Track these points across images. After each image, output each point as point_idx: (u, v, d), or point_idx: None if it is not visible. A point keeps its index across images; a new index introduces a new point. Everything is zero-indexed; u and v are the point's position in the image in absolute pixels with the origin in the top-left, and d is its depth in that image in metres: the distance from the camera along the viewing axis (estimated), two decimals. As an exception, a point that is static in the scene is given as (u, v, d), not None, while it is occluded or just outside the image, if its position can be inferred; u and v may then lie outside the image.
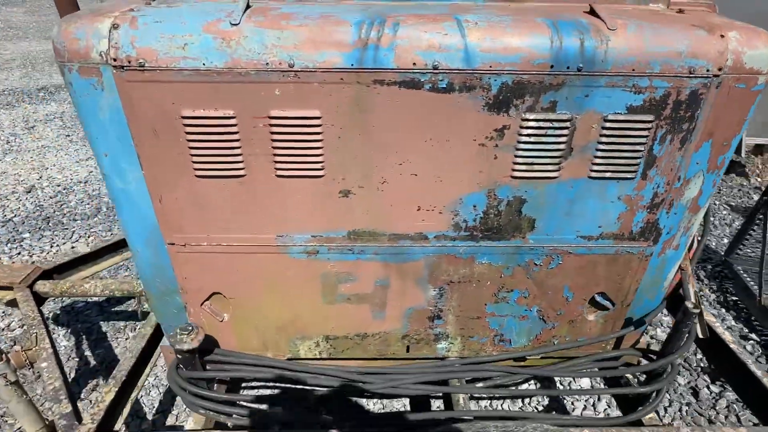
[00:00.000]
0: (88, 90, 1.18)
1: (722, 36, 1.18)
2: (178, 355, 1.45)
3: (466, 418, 1.48)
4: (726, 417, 2.41)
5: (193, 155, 1.26)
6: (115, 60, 1.13)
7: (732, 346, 1.72)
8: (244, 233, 1.42)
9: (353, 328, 1.66)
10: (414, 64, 1.16)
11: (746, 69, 1.19)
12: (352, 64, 1.15)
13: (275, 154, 1.28)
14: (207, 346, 1.57)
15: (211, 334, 1.64)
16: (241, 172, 1.30)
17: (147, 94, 1.17)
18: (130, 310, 2.88)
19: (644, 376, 1.73)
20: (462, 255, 1.48)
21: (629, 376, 1.83)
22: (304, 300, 1.58)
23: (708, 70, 1.18)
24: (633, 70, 1.18)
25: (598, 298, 1.61)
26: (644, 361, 1.68)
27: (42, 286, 2.06)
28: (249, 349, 1.69)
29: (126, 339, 2.74)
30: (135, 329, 2.79)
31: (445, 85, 1.19)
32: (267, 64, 1.14)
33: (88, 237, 3.68)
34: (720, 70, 1.18)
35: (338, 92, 1.19)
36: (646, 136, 1.27)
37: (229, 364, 1.59)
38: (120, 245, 2.38)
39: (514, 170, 1.32)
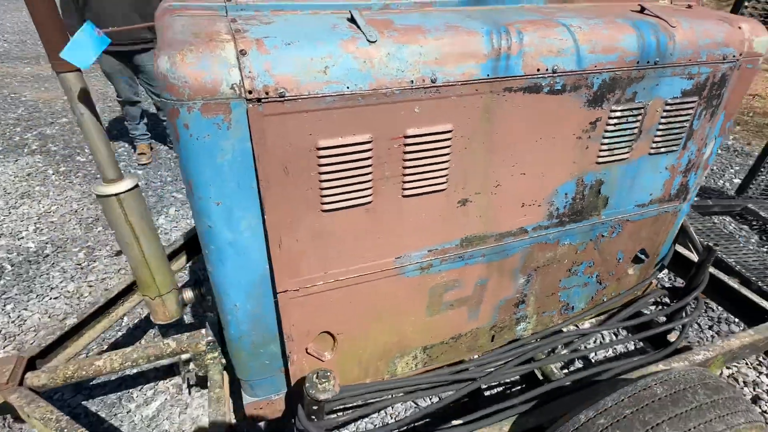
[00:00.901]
0: (210, 131, 0.98)
1: (740, 27, 1.47)
2: (313, 406, 1.31)
3: (629, 378, 1.53)
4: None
5: (323, 188, 1.14)
6: (250, 92, 0.96)
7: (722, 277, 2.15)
8: (365, 262, 1.33)
9: (450, 332, 1.67)
10: (538, 69, 1.21)
11: (754, 53, 1.50)
12: (488, 75, 1.16)
13: (404, 174, 1.22)
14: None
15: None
16: (368, 199, 1.22)
17: (284, 127, 1.02)
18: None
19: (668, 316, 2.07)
20: (551, 240, 1.60)
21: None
22: (411, 317, 1.54)
23: (734, 56, 1.46)
24: (689, 60, 1.40)
25: (639, 254, 1.89)
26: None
27: (36, 379, 1.61)
28: (349, 381, 1.59)
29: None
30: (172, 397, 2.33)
31: (559, 87, 1.27)
32: (412, 81, 1.09)
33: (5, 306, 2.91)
34: (740, 55, 1.47)
35: (471, 103, 1.19)
36: (690, 114, 1.52)
37: (355, 397, 1.49)
38: (109, 305, 1.97)
39: (599, 157, 1.47)
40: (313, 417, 1.35)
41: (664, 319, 2.16)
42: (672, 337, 1.87)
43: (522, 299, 1.73)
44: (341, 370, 1.56)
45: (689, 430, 1.11)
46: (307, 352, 1.45)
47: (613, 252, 1.79)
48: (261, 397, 1.56)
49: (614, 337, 2.50)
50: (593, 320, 2.08)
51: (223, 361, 1.69)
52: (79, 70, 1.35)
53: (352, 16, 1.12)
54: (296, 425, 1.38)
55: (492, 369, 1.68)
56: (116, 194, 1.57)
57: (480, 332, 1.74)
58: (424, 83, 1.10)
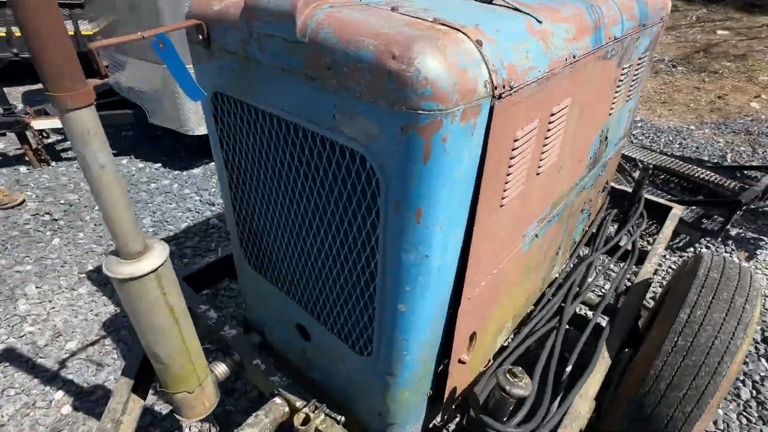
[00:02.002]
0: (459, 141, 0.83)
1: (663, -6, 1.92)
2: (508, 407, 1.26)
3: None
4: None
5: (507, 182, 1.08)
6: (495, 88, 0.84)
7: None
8: (509, 249, 1.31)
9: (530, 294, 1.78)
10: (609, 38, 1.37)
11: (669, 12, 1.99)
12: (594, 46, 1.26)
13: (542, 153, 1.24)
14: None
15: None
16: (524, 185, 1.20)
17: (505, 123, 0.93)
18: None
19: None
20: (583, 188, 1.85)
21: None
22: (518, 290, 1.59)
23: (663, 17, 1.91)
24: (652, 21, 1.77)
25: (605, 184, 2.32)
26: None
27: None
28: (475, 374, 1.56)
29: None
30: None
31: (612, 53, 1.46)
32: (566, 59, 1.11)
33: None
34: (667, 15, 1.93)
35: (580, 76, 1.27)
36: (645, 65, 1.93)
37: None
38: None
39: (611, 109, 1.75)
40: (505, 419, 1.30)
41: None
42: (624, 243, 2.40)
43: (560, 246, 1.95)
44: (471, 367, 1.52)
45: (734, 298, 1.53)
46: (459, 362, 1.36)
47: (599, 187, 2.16)
48: (398, 429, 1.41)
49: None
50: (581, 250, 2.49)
51: (340, 418, 1.44)
52: (91, 104, 0.93)
53: None
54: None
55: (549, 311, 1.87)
56: (154, 270, 1.15)
57: (541, 286, 1.91)
58: (567, 61, 1.14)
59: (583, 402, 1.51)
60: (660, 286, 2.99)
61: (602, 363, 1.64)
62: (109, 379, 2.28)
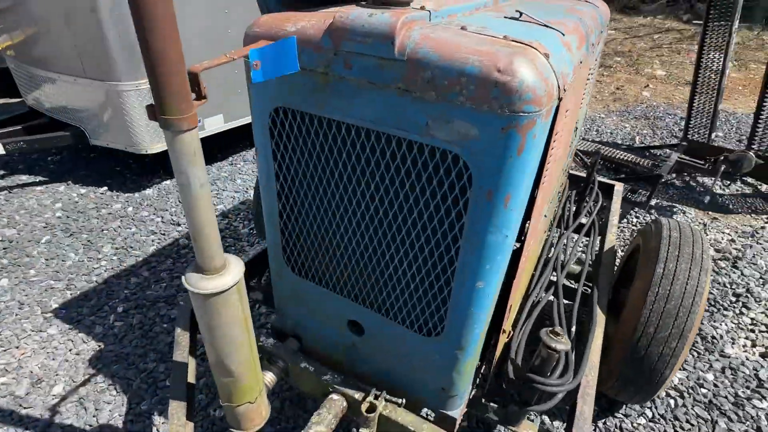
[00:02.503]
0: (541, 135, 1.00)
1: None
2: (550, 363, 1.47)
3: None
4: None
5: (547, 168, 1.28)
6: (559, 91, 1.03)
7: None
8: (537, 225, 1.52)
9: (531, 267, 2.03)
10: (590, 45, 1.64)
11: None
12: (586, 53, 1.52)
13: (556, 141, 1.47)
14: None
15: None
16: (553, 165, 1.42)
17: (560, 119, 1.12)
18: None
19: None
20: (565, 166, 2.13)
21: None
22: (530, 265, 1.81)
23: (608, 22, 2.27)
24: (604, 28, 2.11)
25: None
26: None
27: None
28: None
29: None
30: None
31: (588, 56, 1.74)
32: (580, 62, 1.34)
33: None
34: (608, 20, 2.29)
35: (577, 77, 1.52)
36: (599, 61, 2.28)
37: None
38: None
39: (583, 98, 2.05)
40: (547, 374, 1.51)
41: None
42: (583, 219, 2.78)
43: (551, 220, 2.23)
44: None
45: (693, 251, 1.91)
46: (502, 331, 1.55)
47: (566, 172, 2.49)
48: (462, 401, 1.55)
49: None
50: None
51: (401, 401, 1.55)
52: (195, 128, 0.98)
53: (520, 13, 1.26)
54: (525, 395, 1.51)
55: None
56: (236, 283, 1.20)
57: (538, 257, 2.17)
58: (577, 67, 1.37)
59: (594, 353, 1.78)
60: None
61: (601, 318, 1.94)
62: (114, 416, 2.15)
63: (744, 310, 2.91)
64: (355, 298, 1.50)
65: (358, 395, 1.55)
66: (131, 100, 3.41)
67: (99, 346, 2.50)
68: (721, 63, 4.24)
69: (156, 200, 3.85)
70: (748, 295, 3.03)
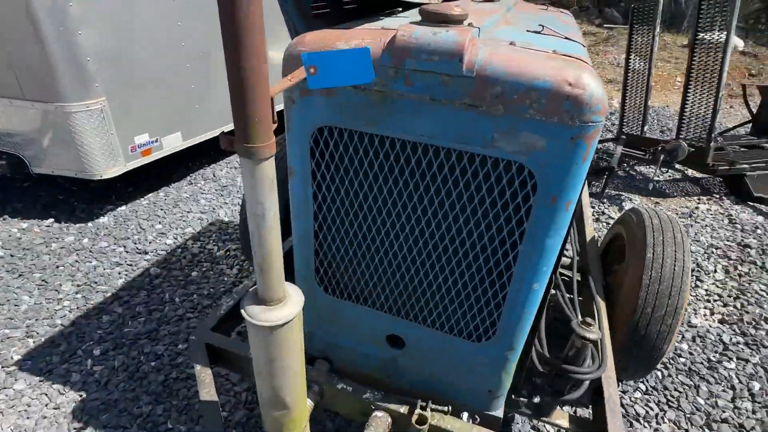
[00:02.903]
0: (596, 142, 1.07)
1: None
2: (584, 352, 1.56)
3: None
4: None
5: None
6: (606, 101, 1.11)
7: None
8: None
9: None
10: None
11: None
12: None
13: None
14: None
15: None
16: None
17: (597, 126, 1.21)
18: None
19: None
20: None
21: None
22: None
23: (576, 32, 2.45)
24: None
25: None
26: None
27: None
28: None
29: None
30: None
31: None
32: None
33: None
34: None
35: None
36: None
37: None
38: None
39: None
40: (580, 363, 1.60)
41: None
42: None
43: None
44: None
45: (674, 234, 2.12)
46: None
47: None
48: (503, 400, 1.60)
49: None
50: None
51: (447, 408, 1.56)
52: (273, 155, 0.96)
53: (542, 26, 1.34)
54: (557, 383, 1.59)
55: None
56: (298, 314, 1.17)
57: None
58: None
59: (608, 339, 1.91)
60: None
61: (602, 305, 2.08)
62: (116, 470, 1.95)
63: (698, 282, 3.26)
64: (397, 313, 1.49)
65: (402, 409, 1.55)
66: (81, 123, 3.12)
67: (80, 395, 2.26)
68: (645, 64, 4.73)
69: (114, 228, 3.54)
70: (699, 269, 3.40)
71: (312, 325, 1.68)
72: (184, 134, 3.91)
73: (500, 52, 1.01)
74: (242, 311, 1.11)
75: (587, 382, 1.65)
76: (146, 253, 3.29)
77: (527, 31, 1.38)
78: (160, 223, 3.67)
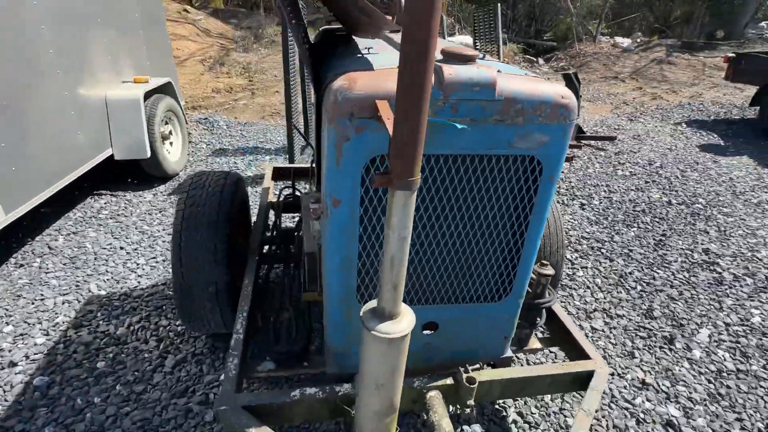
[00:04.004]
0: (565, 133, 1.57)
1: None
2: (542, 284, 2.11)
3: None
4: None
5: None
6: (557, 104, 1.61)
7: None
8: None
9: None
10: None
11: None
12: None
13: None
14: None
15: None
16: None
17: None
18: None
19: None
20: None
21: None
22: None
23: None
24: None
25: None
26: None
27: None
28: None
29: None
30: None
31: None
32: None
33: None
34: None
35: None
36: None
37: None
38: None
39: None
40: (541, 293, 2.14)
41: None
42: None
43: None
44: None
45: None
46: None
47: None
48: (510, 341, 2.02)
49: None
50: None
51: (479, 365, 1.89)
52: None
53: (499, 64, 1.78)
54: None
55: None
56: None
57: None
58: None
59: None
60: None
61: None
62: None
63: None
64: (432, 301, 1.75)
65: (448, 381, 1.82)
66: None
67: None
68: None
69: (-62, 352, 2.58)
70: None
71: (348, 346, 1.78)
72: (6, 206, 3.08)
73: (511, 80, 1.39)
74: (372, 331, 1.22)
75: (544, 310, 2.22)
76: (14, 365, 2.55)
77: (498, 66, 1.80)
78: (7, 323, 2.84)
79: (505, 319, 1.86)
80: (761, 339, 2.94)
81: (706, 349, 2.85)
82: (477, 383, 1.80)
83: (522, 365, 2.69)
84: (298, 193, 3.38)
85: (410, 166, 1.01)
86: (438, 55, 1.48)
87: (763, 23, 16.13)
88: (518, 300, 1.83)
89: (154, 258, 3.59)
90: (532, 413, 2.40)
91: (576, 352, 2.13)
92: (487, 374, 1.86)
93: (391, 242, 1.12)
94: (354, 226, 1.51)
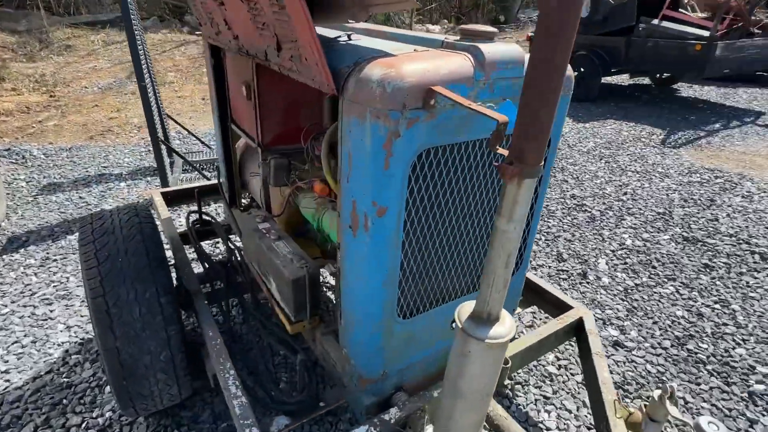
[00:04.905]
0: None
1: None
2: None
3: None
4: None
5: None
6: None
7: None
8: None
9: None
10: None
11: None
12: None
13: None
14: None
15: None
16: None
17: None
18: None
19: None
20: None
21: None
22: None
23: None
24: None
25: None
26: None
27: None
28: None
29: None
30: None
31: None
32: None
33: None
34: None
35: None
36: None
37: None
38: None
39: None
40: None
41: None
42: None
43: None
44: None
45: None
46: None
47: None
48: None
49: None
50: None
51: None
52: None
53: None
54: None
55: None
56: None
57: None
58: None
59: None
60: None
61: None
62: None
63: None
64: (461, 293, 1.68)
65: (481, 368, 1.79)
66: None
67: None
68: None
69: None
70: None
71: (389, 363, 1.60)
72: None
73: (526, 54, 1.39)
74: (485, 341, 1.11)
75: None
76: None
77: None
78: None
79: (516, 292, 1.91)
80: (638, 256, 3.67)
81: (610, 275, 3.43)
82: (509, 363, 1.82)
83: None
84: (206, 217, 2.90)
85: (541, 151, 0.92)
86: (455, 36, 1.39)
87: (530, 8, 19.86)
88: (525, 271, 1.89)
89: (16, 342, 2.65)
90: (517, 373, 2.54)
91: (551, 305, 2.32)
92: (516, 345, 1.89)
93: (512, 238, 1.01)
94: (399, 234, 1.34)
